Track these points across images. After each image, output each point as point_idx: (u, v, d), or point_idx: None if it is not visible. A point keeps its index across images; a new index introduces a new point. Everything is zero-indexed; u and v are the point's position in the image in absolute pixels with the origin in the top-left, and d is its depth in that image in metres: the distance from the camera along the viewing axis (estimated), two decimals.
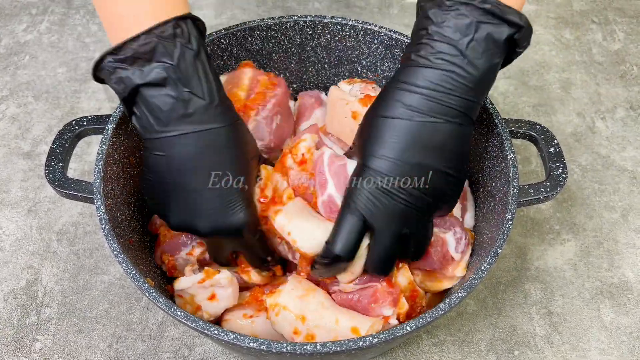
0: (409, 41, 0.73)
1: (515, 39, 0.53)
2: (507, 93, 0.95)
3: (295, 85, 0.82)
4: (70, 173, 0.64)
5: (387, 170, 0.54)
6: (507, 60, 0.57)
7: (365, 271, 0.59)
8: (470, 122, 0.56)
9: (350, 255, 0.56)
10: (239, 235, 0.58)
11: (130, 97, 0.54)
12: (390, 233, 0.55)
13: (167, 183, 0.56)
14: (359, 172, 0.56)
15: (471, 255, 0.65)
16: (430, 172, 0.54)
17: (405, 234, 0.56)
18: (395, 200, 0.54)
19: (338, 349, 0.50)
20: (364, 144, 0.57)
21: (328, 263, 0.56)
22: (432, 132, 0.54)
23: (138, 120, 0.55)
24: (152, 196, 0.59)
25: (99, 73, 0.54)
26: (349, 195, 0.56)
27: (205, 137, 0.54)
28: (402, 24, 1.04)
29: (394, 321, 0.59)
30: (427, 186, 0.54)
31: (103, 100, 0.93)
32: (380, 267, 0.58)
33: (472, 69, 0.53)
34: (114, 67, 0.53)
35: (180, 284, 0.62)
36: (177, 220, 0.58)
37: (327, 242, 0.57)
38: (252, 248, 0.61)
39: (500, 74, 0.97)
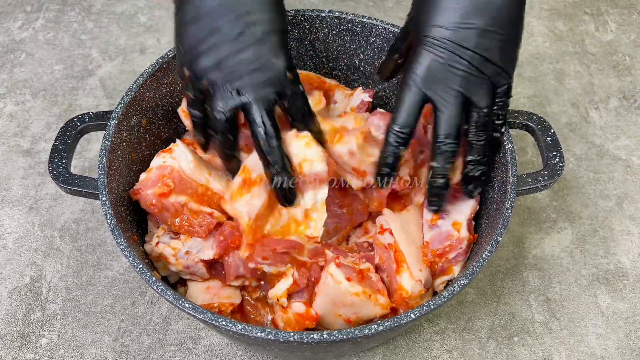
0: None
1: None
2: None
3: None
4: (71, 170, 0.64)
5: (447, 38, 0.54)
6: None
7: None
8: None
9: (412, 127, 0.57)
10: (282, 78, 0.57)
11: None
12: (451, 103, 0.55)
13: (196, 30, 0.56)
14: (416, 47, 0.56)
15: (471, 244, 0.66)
16: (490, 35, 0.54)
17: (468, 101, 0.56)
18: (454, 68, 0.54)
19: (344, 337, 0.51)
20: (420, 14, 0.57)
21: (395, 144, 0.57)
22: None
23: None
24: (190, 48, 0.58)
25: None
26: (407, 72, 0.56)
27: None
28: (398, 17, 1.05)
29: None
30: (486, 50, 0.54)
31: (101, 97, 0.94)
32: (451, 136, 0.56)
33: None
34: None
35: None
36: (210, 62, 0.57)
37: (390, 124, 0.58)
38: (293, 98, 0.58)
39: None
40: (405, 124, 0.57)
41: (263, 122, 0.56)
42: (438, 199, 0.60)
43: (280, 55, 0.57)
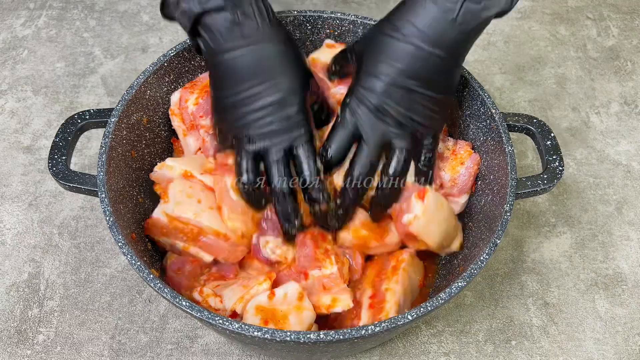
0: None
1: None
2: (503, 88, 0.96)
3: None
4: (71, 167, 0.64)
5: (379, 92, 0.60)
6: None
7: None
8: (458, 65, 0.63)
9: (340, 157, 0.63)
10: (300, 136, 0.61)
11: (194, 28, 0.61)
12: (374, 142, 0.61)
13: (226, 95, 0.62)
14: (353, 91, 0.62)
15: (469, 247, 0.66)
16: (416, 95, 0.61)
17: (390, 143, 0.61)
18: (380, 114, 0.61)
19: (341, 337, 0.51)
20: (363, 60, 0.63)
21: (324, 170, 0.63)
22: (428, 62, 0.60)
23: (203, 45, 0.62)
24: (215, 110, 0.64)
25: (166, 10, 0.62)
26: (342, 111, 0.62)
27: (259, 52, 0.61)
28: None
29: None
30: (409, 109, 0.61)
31: (102, 95, 0.94)
32: (364, 166, 0.61)
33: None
34: (177, 1, 0.60)
35: None
36: (229, 127, 0.62)
37: (321, 148, 0.63)
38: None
39: (497, 69, 0.98)
40: (335, 152, 0.62)
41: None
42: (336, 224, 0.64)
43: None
